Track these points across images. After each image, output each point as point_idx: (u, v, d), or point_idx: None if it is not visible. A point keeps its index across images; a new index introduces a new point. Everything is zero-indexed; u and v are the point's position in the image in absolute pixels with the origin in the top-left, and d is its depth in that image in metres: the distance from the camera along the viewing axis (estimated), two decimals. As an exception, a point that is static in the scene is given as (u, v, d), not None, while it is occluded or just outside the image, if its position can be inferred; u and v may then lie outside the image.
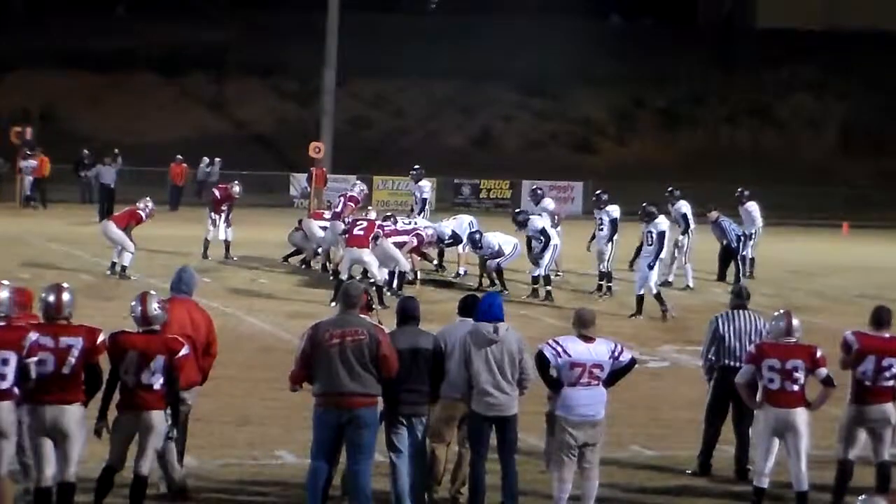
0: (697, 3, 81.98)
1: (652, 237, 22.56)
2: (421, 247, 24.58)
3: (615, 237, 24.91)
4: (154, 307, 10.38)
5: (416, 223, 25.67)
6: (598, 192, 26.65)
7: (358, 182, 28.69)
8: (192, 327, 11.16)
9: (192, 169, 44.08)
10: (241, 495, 11.58)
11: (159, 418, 10.31)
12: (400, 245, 23.52)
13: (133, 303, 10.46)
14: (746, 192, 29.27)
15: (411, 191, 29.57)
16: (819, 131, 65.92)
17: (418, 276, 24.88)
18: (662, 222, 22.78)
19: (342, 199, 25.58)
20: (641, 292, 22.59)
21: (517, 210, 27.12)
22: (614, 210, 25.28)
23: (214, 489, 11.60)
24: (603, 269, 24.97)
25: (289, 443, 13.01)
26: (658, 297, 22.49)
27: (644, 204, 23.27)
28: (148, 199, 26.11)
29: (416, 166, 29.18)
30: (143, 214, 25.21)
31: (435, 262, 26.74)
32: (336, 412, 10.45)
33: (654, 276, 22.53)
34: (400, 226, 24.53)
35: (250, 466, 12.39)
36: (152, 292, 10.65)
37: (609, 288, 24.79)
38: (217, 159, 38.43)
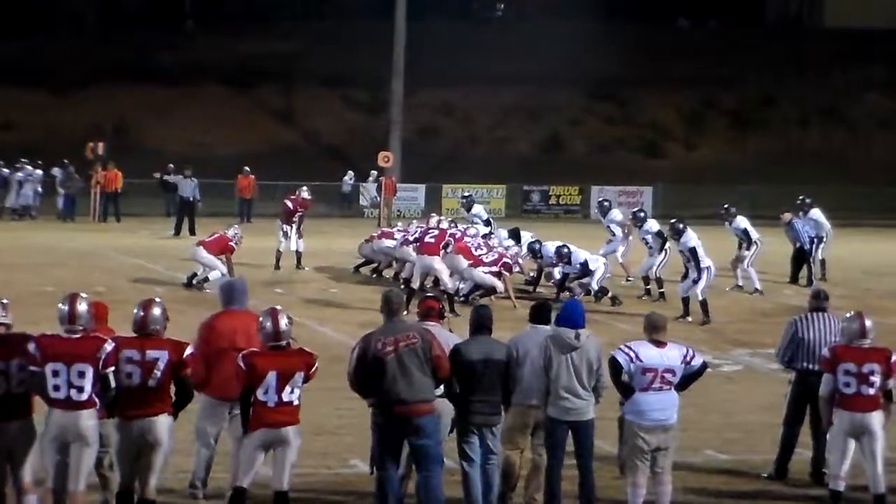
0: (765, 3, 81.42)
1: (686, 255, 22.46)
2: (511, 270, 24.17)
3: (667, 245, 24.64)
4: (284, 323, 10.24)
5: (490, 244, 25.11)
6: (633, 210, 26.75)
7: (443, 218, 27.74)
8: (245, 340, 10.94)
9: (259, 182, 44.19)
10: (317, 504, 11.64)
11: (296, 432, 10.23)
12: (495, 274, 23.37)
13: (261, 319, 10.33)
14: (808, 200, 28.60)
15: (469, 219, 28.92)
16: (890, 131, 65.16)
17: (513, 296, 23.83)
18: (690, 238, 22.41)
19: (420, 229, 25.14)
20: (685, 295, 22.51)
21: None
22: (652, 225, 25.09)
23: (290, 499, 11.64)
24: (652, 276, 24.76)
25: (363, 451, 12.96)
26: (703, 304, 22.31)
27: (672, 221, 23.12)
28: (236, 225, 26.34)
29: (466, 194, 28.68)
30: (234, 246, 24.85)
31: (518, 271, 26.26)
32: (396, 421, 10.48)
33: (702, 284, 22.27)
34: (488, 257, 23.98)
35: (325, 475, 12.47)
36: (279, 307, 10.50)
37: (662, 294, 24.59)
38: (374, 173, 37.81)
